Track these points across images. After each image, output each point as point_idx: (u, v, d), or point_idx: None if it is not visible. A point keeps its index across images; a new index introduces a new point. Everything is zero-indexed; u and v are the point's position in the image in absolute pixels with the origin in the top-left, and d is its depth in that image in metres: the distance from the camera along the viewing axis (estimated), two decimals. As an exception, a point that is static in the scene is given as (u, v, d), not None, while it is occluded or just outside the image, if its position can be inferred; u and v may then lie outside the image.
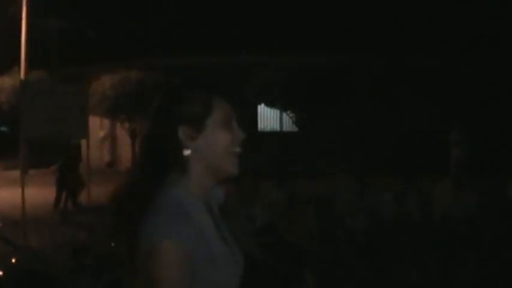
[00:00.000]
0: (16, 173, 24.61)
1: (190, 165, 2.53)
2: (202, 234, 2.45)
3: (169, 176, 2.53)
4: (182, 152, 2.52)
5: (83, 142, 16.65)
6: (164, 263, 2.34)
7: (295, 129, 26.78)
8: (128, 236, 2.54)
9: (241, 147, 2.62)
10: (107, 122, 26.84)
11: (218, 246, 2.52)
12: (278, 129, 27.75)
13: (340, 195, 10.93)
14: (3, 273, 6.42)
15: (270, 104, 24.97)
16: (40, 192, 18.63)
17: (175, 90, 2.63)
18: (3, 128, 27.80)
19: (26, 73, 26.34)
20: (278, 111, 27.01)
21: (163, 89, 2.70)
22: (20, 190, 12.87)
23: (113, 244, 7.64)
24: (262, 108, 27.28)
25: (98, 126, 26.80)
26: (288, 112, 23.10)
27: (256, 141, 24.28)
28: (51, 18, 31.24)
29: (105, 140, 28.79)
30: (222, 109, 2.57)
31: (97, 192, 13.77)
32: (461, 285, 8.94)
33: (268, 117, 27.87)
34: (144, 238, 2.39)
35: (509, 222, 10.37)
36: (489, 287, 8.77)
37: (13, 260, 7.42)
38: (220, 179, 2.63)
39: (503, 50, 24.74)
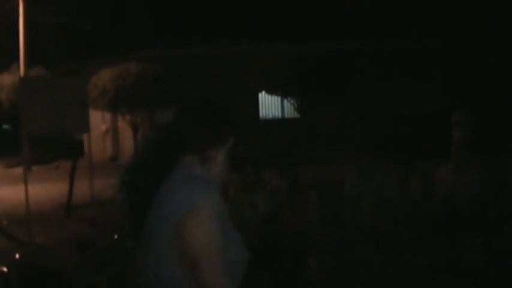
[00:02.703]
0: (19, 170, 24.65)
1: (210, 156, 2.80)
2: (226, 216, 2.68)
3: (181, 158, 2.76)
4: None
5: (85, 136, 16.68)
6: (206, 220, 2.54)
7: (296, 115, 26.76)
8: (140, 203, 2.73)
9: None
10: (108, 116, 26.81)
11: (234, 230, 2.72)
12: (280, 116, 27.71)
13: (343, 180, 10.92)
14: (8, 269, 6.44)
15: (270, 91, 24.87)
16: (43, 188, 18.64)
17: (193, 116, 2.85)
18: (5, 126, 27.81)
19: (26, 70, 26.31)
20: (279, 98, 26.94)
21: (179, 110, 2.92)
22: (23, 187, 12.88)
23: (116, 237, 7.66)
24: (263, 96, 27.23)
25: (99, 120, 26.78)
26: (289, 99, 22.96)
27: (258, 129, 24.28)
28: (49, 13, 31.18)
29: (107, 133, 28.78)
30: (228, 137, 2.87)
31: (100, 186, 13.79)
32: (466, 266, 8.94)
33: (269, 105, 27.84)
34: (181, 201, 2.58)
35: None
36: (494, 267, 8.76)
37: (17, 256, 7.44)
38: None
39: (505, 29, 24.63)
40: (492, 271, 8.62)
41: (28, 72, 25.98)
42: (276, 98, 27.12)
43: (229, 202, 8.34)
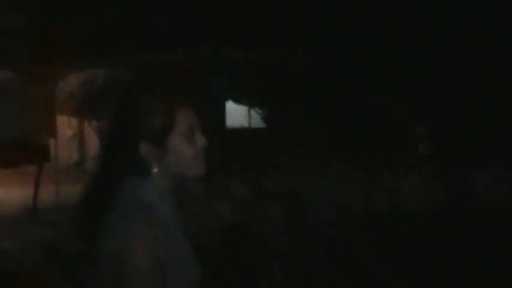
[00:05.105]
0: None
1: (154, 175, 2.49)
2: (169, 234, 2.44)
3: (130, 178, 2.49)
4: (146, 167, 2.48)
5: (51, 141, 16.57)
6: (136, 262, 2.30)
7: (263, 125, 26.84)
8: (89, 235, 2.52)
9: (205, 151, 2.54)
10: (74, 121, 26.71)
11: (183, 246, 2.53)
12: (247, 125, 27.78)
13: (308, 189, 11.03)
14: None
15: (237, 100, 24.94)
16: (7, 192, 18.52)
17: (133, 100, 2.51)
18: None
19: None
20: (246, 107, 27.03)
21: (122, 97, 2.56)
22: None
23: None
24: (230, 105, 27.29)
25: (65, 125, 26.65)
26: (256, 108, 23.07)
27: (224, 138, 24.31)
28: (20, 16, 30.93)
29: (73, 138, 28.65)
30: (186, 120, 2.49)
31: (66, 191, 13.76)
32: (428, 278, 9.06)
33: (236, 114, 27.90)
34: (114, 238, 2.37)
35: (476, 215, 10.52)
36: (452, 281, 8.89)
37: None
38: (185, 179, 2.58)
39: (473, 41, 24.80)
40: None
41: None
42: (243, 107, 27.22)
43: (193, 211, 8.39)
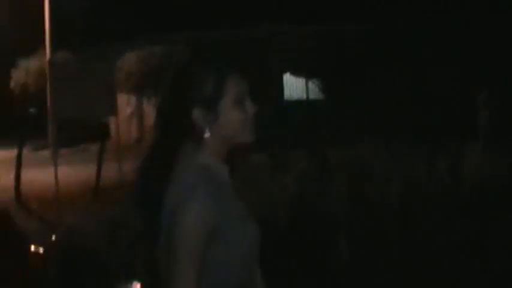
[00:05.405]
0: (46, 153, 24.85)
1: (207, 140, 2.60)
2: (226, 197, 2.58)
3: (185, 145, 2.61)
4: (199, 132, 2.59)
5: (111, 119, 16.80)
6: (185, 223, 2.46)
7: (321, 97, 26.73)
8: (149, 207, 2.62)
9: (255, 119, 2.67)
10: (133, 99, 26.97)
11: (239, 209, 2.64)
12: (304, 97, 27.69)
13: (371, 161, 10.95)
14: (44, 251, 6.53)
15: (295, 72, 24.91)
16: (71, 171, 18.78)
17: (187, 70, 2.68)
18: (32, 110, 28.02)
19: (51, 54, 26.46)
20: (304, 79, 26.94)
21: (175, 68, 2.76)
22: (51, 169, 13.00)
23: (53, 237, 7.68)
24: (287, 78, 27.22)
25: (124, 103, 26.91)
26: (314, 80, 23.03)
27: (282, 110, 24.29)
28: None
29: (133, 116, 28.93)
30: (236, 88, 2.61)
31: (128, 168, 13.89)
32: (489, 250, 8.95)
33: (293, 86, 27.80)
34: (171, 199, 2.51)
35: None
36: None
37: (53, 238, 7.53)
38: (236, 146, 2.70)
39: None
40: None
41: (54, 56, 26.13)
42: (300, 79, 27.13)
43: (258, 184, 8.39)
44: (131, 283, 5.87)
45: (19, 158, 15.97)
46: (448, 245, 9.15)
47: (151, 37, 24.66)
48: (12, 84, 27.66)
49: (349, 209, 9.64)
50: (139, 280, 5.94)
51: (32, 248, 6.49)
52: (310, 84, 27.06)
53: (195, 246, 2.47)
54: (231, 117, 2.61)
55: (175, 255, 2.47)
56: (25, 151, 17.84)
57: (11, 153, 18.85)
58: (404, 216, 9.91)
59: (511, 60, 22.84)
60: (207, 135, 2.59)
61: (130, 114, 28.80)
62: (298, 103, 26.95)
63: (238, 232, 2.56)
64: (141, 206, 2.70)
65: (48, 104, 22.30)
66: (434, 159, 10.82)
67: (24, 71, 27.06)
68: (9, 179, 16.38)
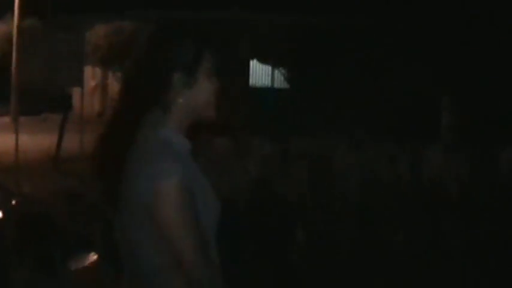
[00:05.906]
0: (5, 120, 24.51)
1: (174, 108, 2.65)
2: (189, 167, 2.61)
3: (149, 115, 2.63)
4: (172, 98, 2.64)
5: (75, 91, 16.63)
6: (171, 203, 2.48)
7: (286, 86, 26.78)
8: (108, 177, 2.67)
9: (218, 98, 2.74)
10: (99, 72, 26.78)
11: (202, 179, 2.67)
12: (269, 85, 27.74)
13: (333, 152, 11.01)
14: (3, 214, 6.51)
15: (262, 60, 24.92)
16: (31, 139, 18.56)
17: (167, 36, 2.76)
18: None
19: (19, 21, 26.12)
20: (270, 67, 26.97)
21: (154, 34, 2.81)
22: (9, 136, 12.83)
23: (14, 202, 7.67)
24: (254, 64, 27.24)
25: (90, 75, 26.70)
26: (280, 69, 23.07)
27: (247, 96, 24.30)
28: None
29: (96, 89, 28.72)
30: (209, 61, 2.70)
31: (88, 141, 13.80)
32: (446, 249, 9.09)
33: (260, 73, 27.84)
34: (145, 181, 2.50)
35: (500, 189, 10.46)
36: (474, 252, 8.89)
37: (13, 202, 7.50)
38: (197, 121, 2.74)
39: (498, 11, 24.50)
40: (475, 254, 8.76)
41: (22, 22, 25.79)
42: (266, 67, 27.16)
43: (220, 167, 8.42)
44: (88, 254, 5.86)
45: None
46: (405, 240, 9.29)
47: (122, 12, 24.51)
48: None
49: (309, 197, 9.73)
50: (96, 251, 5.94)
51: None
52: (276, 72, 27.11)
53: (188, 205, 2.52)
54: (205, 86, 2.68)
55: (170, 222, 2.50)
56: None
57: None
58: (361, 208, 10.00)
59: (475, 63, 23.06)
60: (180, 100, 2.63)
61: (94, 87, 28.58)
62: (262, 90, 27.00)
63: (202, 199, 2.59)
64: (100, 176, 2.73)
65: (13, 70, 22.02)
66: (396, 155, 10.93)
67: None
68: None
